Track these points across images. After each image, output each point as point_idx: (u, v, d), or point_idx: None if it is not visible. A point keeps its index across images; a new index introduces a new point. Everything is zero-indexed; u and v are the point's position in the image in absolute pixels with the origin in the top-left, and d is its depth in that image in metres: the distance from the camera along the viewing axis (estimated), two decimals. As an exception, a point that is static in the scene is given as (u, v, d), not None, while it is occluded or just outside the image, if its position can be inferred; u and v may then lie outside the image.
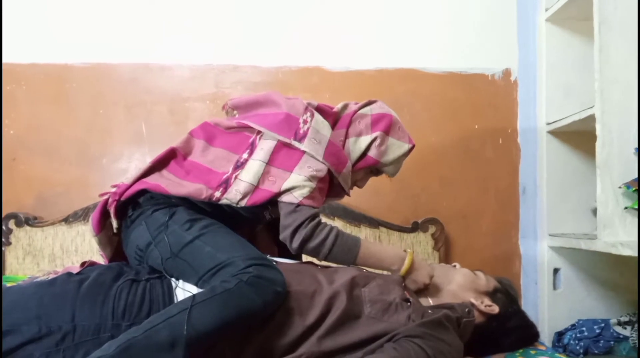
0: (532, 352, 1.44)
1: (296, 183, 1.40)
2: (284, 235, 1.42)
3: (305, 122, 1.46)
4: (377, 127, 1.53)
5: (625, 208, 1.88)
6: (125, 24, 2.41)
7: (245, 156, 1.45)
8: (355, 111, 1.57)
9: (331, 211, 2.36)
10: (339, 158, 1.49)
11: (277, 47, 2.46)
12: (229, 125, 1.52)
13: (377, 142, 1.53)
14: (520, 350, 1.45)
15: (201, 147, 1.49)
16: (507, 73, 2.51)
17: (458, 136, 2.49)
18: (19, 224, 2.26)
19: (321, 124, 1.48)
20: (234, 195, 1.39)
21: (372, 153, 1.54)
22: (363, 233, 2.36)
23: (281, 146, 1.44)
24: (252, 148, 1.46)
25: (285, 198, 1.40)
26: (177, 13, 2.43)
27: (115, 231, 1.44)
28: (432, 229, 2.40)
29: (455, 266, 1.57)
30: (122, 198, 1.40)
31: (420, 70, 2.49)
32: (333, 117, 1.56)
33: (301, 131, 1.45)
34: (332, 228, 1.43)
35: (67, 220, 2.28)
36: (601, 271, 2.36)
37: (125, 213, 1.42)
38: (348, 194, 1.62)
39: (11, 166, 2.35)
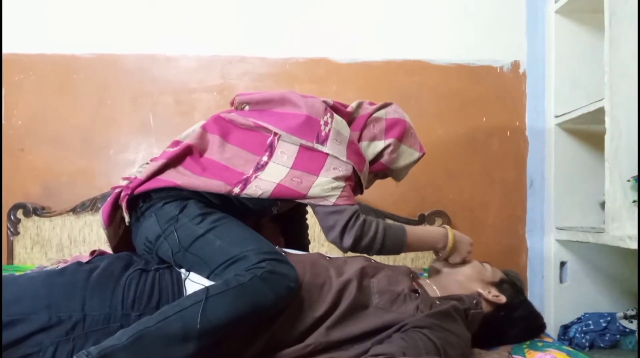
0: (539, 344, 1.43)
1: (326, 186, 1.39)
2: (332, 237, 1.40)
3: (326, 124, 1.44)
4: (391, 134, 1.53)
5: (634, 201, 1.87)
6: (131, 15, 2.41)
7: (265, 158, 1.42)
8: (370, 114, 1.55)
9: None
10: (360, 156, 1.48)
11: (284, 39, 2.45)
12: (244, 123, 1.48)
13: (390, 149, 1.52)
14: (527, 342, 1.45)
15: (217, 143, 1.46)
16: (515, 65, 2.50)
17: (465, 129, 2.48)
18: (27, 214, 2.28)
19: (341, 125, 1.47)
20: (253, 191, 1.37)
21: (384, 159, 1.54)
22: (369, 225, 2.36)
23: (304, 150, 1.42)
24: (271, 149, 1.43)
25: (320, 202, 1.39)
26: (183, 4, 2.42)
27: (127, 224, 1.43)
28: (438, 222, 2.39)
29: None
30: (136, 192, 1.39)
31: (428, 62, 2.48)
32: (348, 117, 1.54)
33: (323, 134, 1.43)
34: (378, 221, 1.42)
35: (74, 210, 2.29)
36: (608, 265, 2.35)
37: (135, 206, 1.41)
38: (362, 192, 1.61)
39: (19, 156, 2.36)
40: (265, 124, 1.45)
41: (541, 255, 2.46)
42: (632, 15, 1.91)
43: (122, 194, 1.39)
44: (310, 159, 1.41)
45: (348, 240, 1.38)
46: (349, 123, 1.53)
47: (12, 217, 2.27)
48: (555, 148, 2.38)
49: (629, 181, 1.88)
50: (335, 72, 2.44)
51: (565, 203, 2.38)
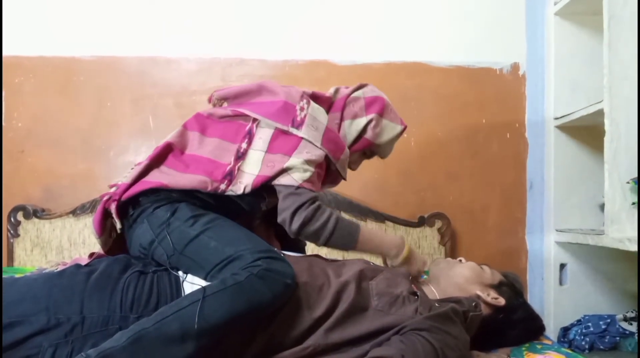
0: (539, 347, 1.43)
1: (295, 165, 1.40)
2: (282, 217, 1.40)
3: (302, 109, 1.46)
4: (372, 110, 1.55)
5: (633, 203, 1.87)
6: (131, 17, 2.41)
7: (244, 145, 1.44)
8: (349, 95, 1.58)
9: (337, 204, 2.36)
10: (336, 144, 1.50)
11: (284, 41, 2.45)
12: (223, 114, 1.51)
13: (373, 124, 1.55)
14: (527, 345, 1.45)
15: (197, 139, 1.47)
16: (515, 67, 2.50)
17: (465, 131, 2.48)
18: (27, 216, 2.28)
19: (317, 111, 1.49)
20: (237, 187, 1.39)
21: (368, 134, 1.56)
22: (369, 228, 2.36)
23: (279, 133, 1.44)
24: (249, 136, 1.45)
25: (283, 180, 1.40)
26: (183, 6, 2.42)
27: (118, 231, 1.43)
28: (438, 224, 2.39)
29: (460, 261, 1.56)
30: (123, 198, 1.39)
31: (428, 64, 2.48)
32: (327, 103, 1.57)
33: (298, 118, 1.45)
34: (332, 211, 1.42)
35: (74, 212, 2.29)
36: (608, 267, 2.35)
37: (126, 212, 1.41)
38: (344, 178, 1.63)
39: (19, 158, 2.36)
40: (243, 110, 1.48)
41: (541, 257, 2.46)
42: (631, 17, 1.91)
43: (110, 201, 1.39)
44: (284, 142, 1.43)
45: (297, 222, 1.38)
46: (329, 108, 1.57)
47: (12, 219, 2.27)
48: (555, 150, 2.38)
49: (628, 183, 1.88)
50: (335, 74, 2.45)
51: (565, 205, 2.38)
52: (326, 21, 2.46)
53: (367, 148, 1.60)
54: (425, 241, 2.38)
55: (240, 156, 1.43)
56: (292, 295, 1.24)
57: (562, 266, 2.38)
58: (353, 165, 1.65)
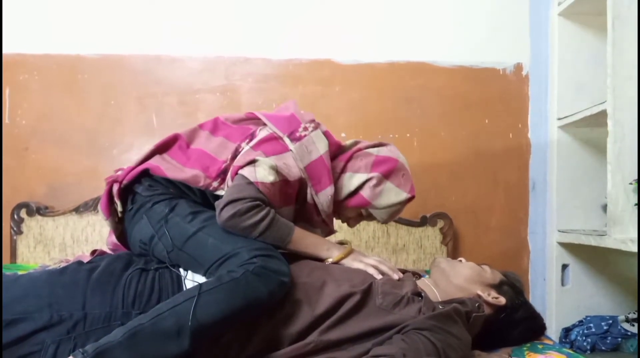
0: (540, 347, 1.43)
1: (264, 163, 1.33)
2: (217, 201, 1.32)
3: (305, 129, 1.44)
4: (377, 169, 1.46)
5: (636, 204, 1.87)
6: (136, 16, 2.42)
7: (244, 145, 1.45)
8: (361, 149, 1.51)
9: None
10: (320, 176, 1.42)
11: (288, 40, 2.45)
12: (238, 118, 1.53)
13: (373, 183, 1.45)
14: (528, 345, 1.45)
15: (205, 136, 1.50)
16: (518, 68, 2.50)
17: (468, 131, 2.48)
18: (30, 213, 2.29)
19: (319, 139, 1.44)
20: (226, 185, 1.40)
21: (365, 192, 1.46)
22: (371, 227, 2.37)
23: (272, 137, 1.43)
24: (251, 138, 1.46)
25: (245, 171, 1.33)
26: (188, 5, 2.43)
27: (119, 214, 1.45)
28: (440, 223, 2.39)
29: (461, 261, 1.57)
30: (126, 180, 1.42)
31: (431, 63, 2.48)
32: (336, 147, 1.51)
33: (297, 134, 1.43)
34: (269, 211, 1.33)
35: (77, 210, 2.30)
36: (610, 268, 2.35)
37: (127, 199, 1.44)
38: (330, 227, 1.55)
39: (23, 155, 2.37)
40: (255, 113, 1.49)
41: (543, 258, 2.46)
42: (635, 18, 1.90)
43: (114, 183, 1.43)
44: (272, 145, 1.40)
45: (228, 211, 1.28)
46: (337, 153, 1.51)
47: (15, 216, 2.28)
48: (558, 151, 2.38)
49: (631, 184, 1.88)
50: (339, 74, 2.45)
51: (568, 205, 2.38)
52: (330, 21, 2.46)
53: (362, 207, 1.49)
54: (427, 241, 2.38)
55: (236, 155, 1.43)
56: (292, 293, 1.25)
57: (564, 266, 2.38)
58: (351, 221, 1.57)
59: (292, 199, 1.43)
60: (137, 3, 2.42)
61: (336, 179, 1.47)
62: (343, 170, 1.48)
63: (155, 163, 1.44)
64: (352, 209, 1.52)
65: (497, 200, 2.49)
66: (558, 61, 2.38)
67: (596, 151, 2.33)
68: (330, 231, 1.59)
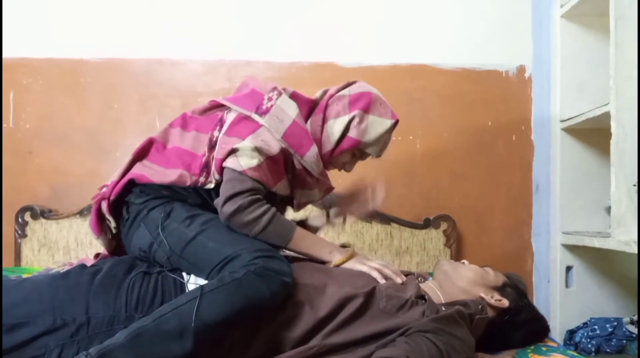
0: (544, 349, 1.43)
1: (243, 148, 1.34)
2: (217, 200, 1.35)
3: (270, 99, 1.43)
4: (356, 106, 1.46)
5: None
6: (138, 20, 2.42)
7: (216, 133, 1.44)
8: (333, 94, 1.51)
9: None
10: (300, 139, 1.42)
11: (290, 43, 2.46)
12: (203, 108, 1.53)
13: (356, 121, 1.45)
14: (532, 347, 1.44)
15: (177, 134, 1.50)
16: (521, 69, 2.49)
17: (471, 133, 2.48)
18: (34, 216, 2.29)
19: (287, 104, 1.44)
20: (212, 178, 1.40)
21: (352, 133, 1.46)
22: (374, 230, 2.36)
23: (241, 118, 1.41)
24: (221, 124, 1.45)
25: (230, 163, 1.34)
26: (189, 8, 2.43)
27: (113, 231, 1.44)
28: (443, 225, 2.39)
29: (463, 263, 1.56)
30: (113, 196, 1.41)
31: (433, 66, 2.48)
32: (309, 104, 1.51)
33: (264, 107, 1.41)
34: (269, 207, 1.36)
35: (81, 213, 2.30)
36: (614, 270, 2.34)
37: (120, 213, 1.43)
38: (327, 183, 1.56)
39: (27, 159, 2.38)
40: (219, 100, 1.49)
41: (547, 260, 2.45)
42: (638, 19, 1.90)
43: (101, 200, 1.42)
44: (243, 127, 1.39)
45: (230, 207, 1.31)
46: (311, 109, 1.51)
47: (19, 219, 2.28)
48: (561, 152, 2.38)
49: (634, 185, 1.87)
50: (341, 76, 2.44)
51: (571, 207, 2.37)
52: (332, 23, 2.46)
53: (354, 148, 1.50)
54: (430, 243, 2.38)
55: (213, 145, 1.42)
56: (293, 295, 1.25)
57: (568, 268, 2.37)
58: (347, 166, 1.58)
59: (282, 172, 1.44)
60: (138, 7, 2.43)
61: (321, 131, 1.48)
62: (324, 120, 1.49)
63: (139, 171, 1.43)
64: (344, 154, 1.52)
65: (501, 202, 2.49)
66: (560, 62, 2.38)
67: (599, 152, 2.32)
68: (329, 188, 1.60)
